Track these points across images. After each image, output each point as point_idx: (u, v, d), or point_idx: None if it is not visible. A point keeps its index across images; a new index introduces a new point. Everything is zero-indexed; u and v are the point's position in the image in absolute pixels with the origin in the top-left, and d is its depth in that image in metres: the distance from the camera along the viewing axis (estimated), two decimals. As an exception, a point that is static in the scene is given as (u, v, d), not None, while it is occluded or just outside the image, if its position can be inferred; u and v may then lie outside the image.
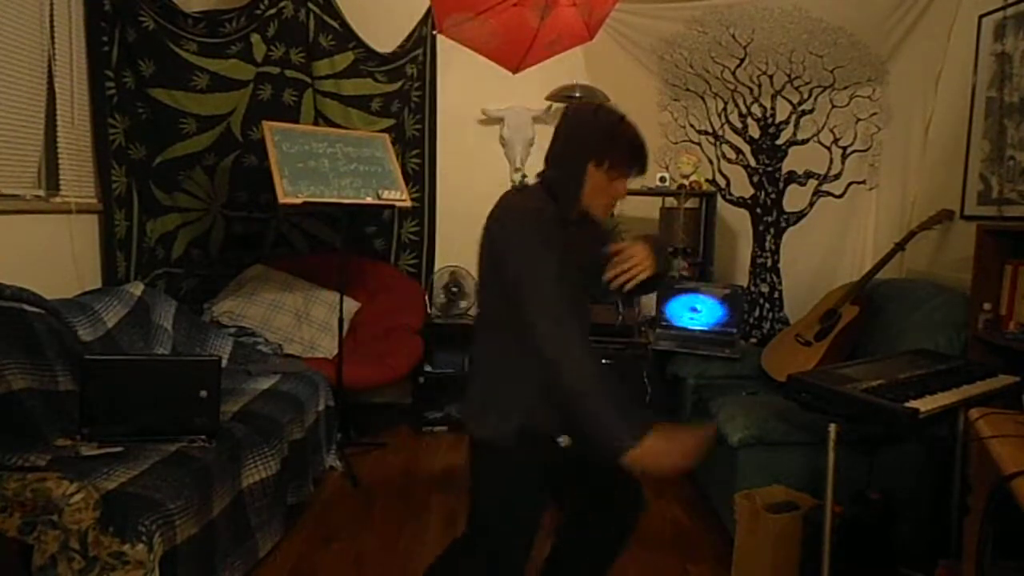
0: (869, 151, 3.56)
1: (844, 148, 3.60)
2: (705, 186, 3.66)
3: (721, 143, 3.81)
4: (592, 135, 1.60)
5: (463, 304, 3.97)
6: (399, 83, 3.84)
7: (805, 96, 3.63)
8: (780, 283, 3.80)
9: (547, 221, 1.56)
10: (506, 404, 1.55)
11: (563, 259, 1.49)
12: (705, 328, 3.48)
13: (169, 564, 1.78)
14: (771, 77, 3.64)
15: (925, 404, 1.79)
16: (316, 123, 3.71)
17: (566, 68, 3.65)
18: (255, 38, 3.41)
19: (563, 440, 1.59)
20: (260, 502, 2.34)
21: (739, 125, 3.77)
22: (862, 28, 3.40)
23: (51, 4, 2.69)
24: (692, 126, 3.82)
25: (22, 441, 1.99)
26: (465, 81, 3.97)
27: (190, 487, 1.95)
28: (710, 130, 3.81)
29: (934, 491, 2.28)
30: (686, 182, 3.60)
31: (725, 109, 3.77)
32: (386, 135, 3.61)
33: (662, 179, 3.63)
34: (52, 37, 2.71)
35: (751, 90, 3.70)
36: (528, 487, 1.62)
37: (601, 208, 1.63)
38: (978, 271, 2.33)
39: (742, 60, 3.64)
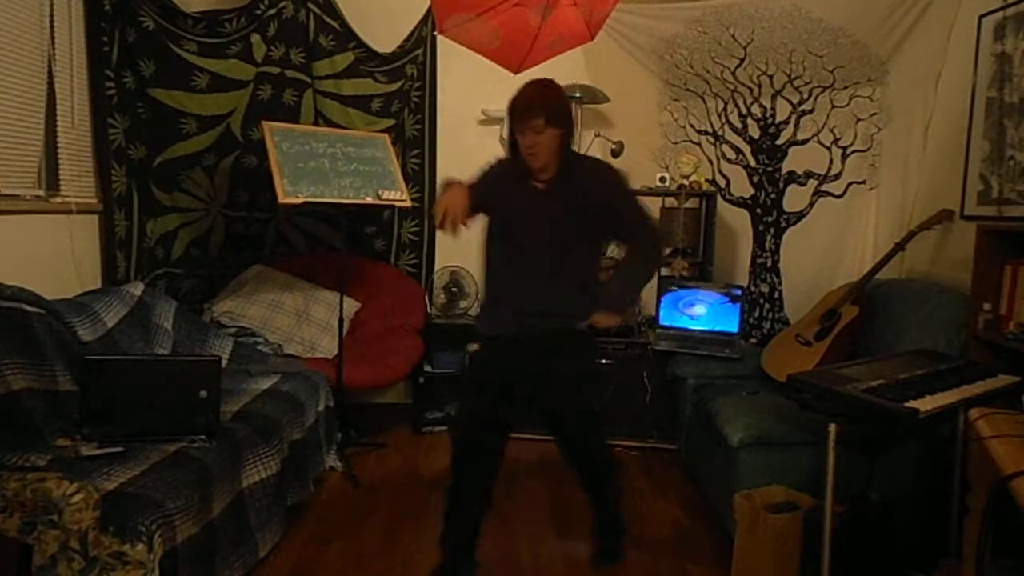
0: (869, 151, 3.56)
1: (844, 148, 3.61)
2: (705, 186, 3.66)
3: (721, 143, 3.81)
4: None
5: (463, 304, 3.97)
6: (399, 83, 3.84)
7: (805, 96, 3.63)
8: (780, 283, 3.80)
9: None
10: (588, 303, 2.18)
11: None
12: (705, 328, 3.48)
13: (169, 564, 1.79)
14: (771, 77, 3.64)
15: (925, 404, 1.79)
16: (316, 123, 3.70)
17: (566, 68, 3.64)
18: (255, 38, 3.41)
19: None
20: (260, 502, 2.34)
21: (739, 125, 3.77)
22: (862, 28, 3.41)
23: (51, 4, 2.69)
24: (692, 126, 3.82)
25: (22, 441, 1.99)
26: (465, 81, 3.97)
27: (190, 487, 1.95)
28: (710, 130, 3.81)
29: (934, 491, 2.28)
30: (686, 182, 3.59)
31: (725, 109, 3.77)
32: (386, 135, 3.61)
33: (662, 179, 3.63)
34: (52, 37, 2.71)
35: (751, 90, 3.70)
36: None
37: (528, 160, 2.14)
38: (978, 271, 2.32)
39: (742, 60, 3.64)
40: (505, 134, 3.96)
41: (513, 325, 2.20)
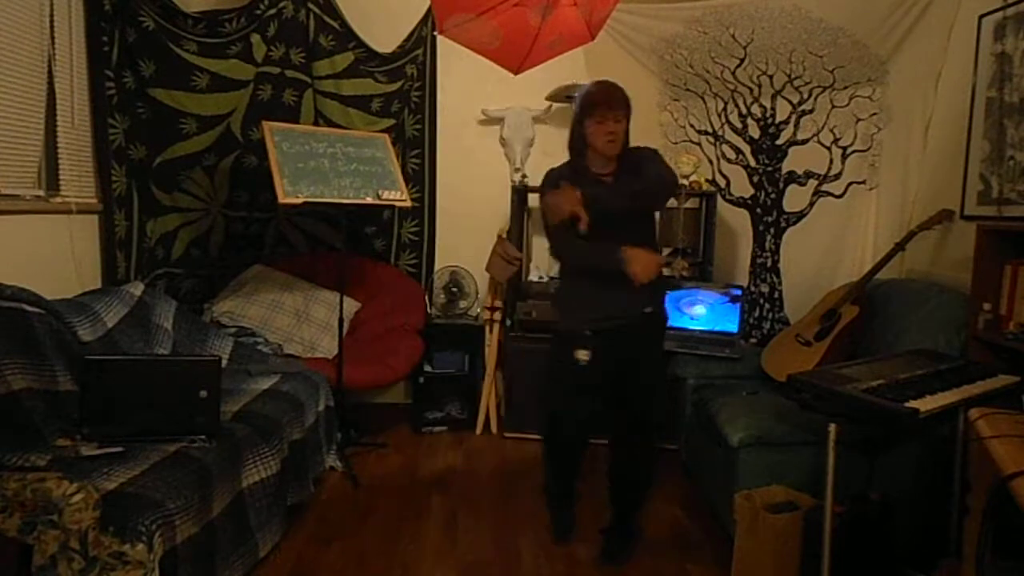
0: (869, 151, 3.56)
1: (844, 148, 3.60)
2: (705, 186, 3.66)
3: (721, 143, 3.81)
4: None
5: (463, 304, 3.97)
6: (399, 83, 3.84)
7: (805, 96, 3.63)
8: (780, 283, 3.80)
9: None
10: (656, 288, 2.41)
11: None
12: (705, 328, 3.48)
13: (169, 564, 1.79)
14: (771, 77, 3.64)
15: (925, 404, 1.79)
16: (316, 123, 3.71)
17: (566, 68, 3.65)
18: (255, 38, 3.41)
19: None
20: (260, 502, 2.34)
21: (739, 125, 3.77)
22: (862, 28, 3.41)
23: (51, 4, 2.69)
24: (692, 126, 3.82)
25: (22, 441, 1.99)
26: (465, 81, 3.97)
27: (190, 487, 1.95)
28: (710, 130, 3.81)
29: (934, 491, 2.28)
30: (686, 182, 3.59)
31: (725, 109, 3.77)
32: (386, 135, 3.61)
33: (662, 179, 3.62)
34: (52, 37, 2.71)
35: (751, 90, 3.70)
36: None
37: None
38: (978, 271, 2.32)
39: (742, 60, 3.64)
40: (506, 133, 3.97)
41: (614, 317, 2.37)
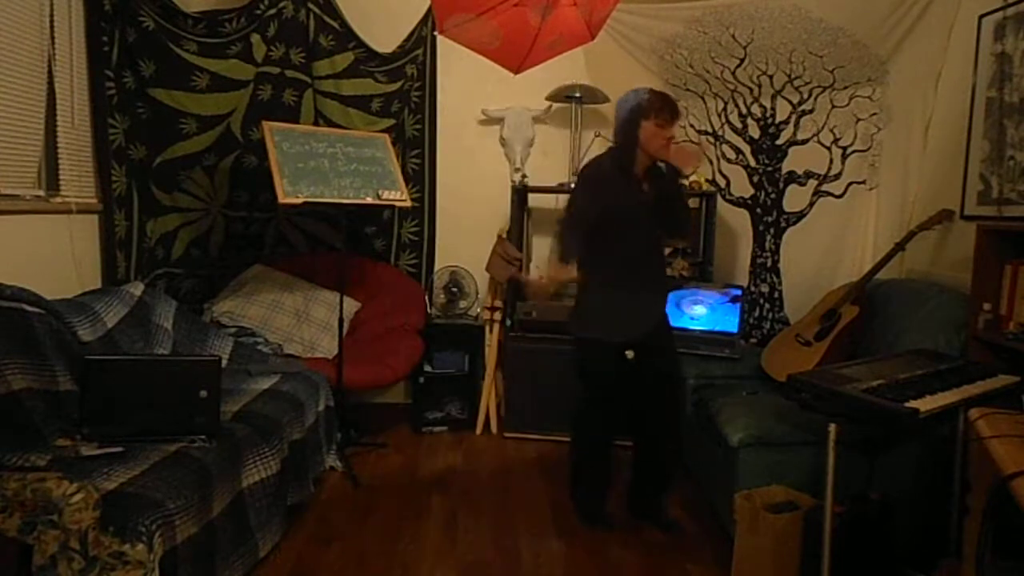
0: (869, 151, 3.55)
1: (844, 148, 3.60)
2: (705, 186, 3.66)
3: (721, 143, 3.81)
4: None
5: (463, 304, 3.97)
6: (399, 83, 3.84)
7: (805, 96, 3.63)
8: (780, 283, 3.80)
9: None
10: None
11: None
12: (705, 328, 3.48)
13: (169, 564, 1.78)
14: (771, 77, 3.64)
15: (925, 404, 1.79)
16: (316, 123, 3.70)
17: (566, 68, 3.65)
18: (255, 38, 3.41)
19: None
20: (260, 502, 2.34)
21: (739, 125, 3.77)
22: (862, 28, 3.40)
23: (51, 4, 2.69)
24: (692, 126, 3.82)
25: (22, 441, 1.99)
26: (465, 81, 3.97)
27: (190, 487, 1.95)
28: (710, 130, 3.81)
29: (934, 491, 2.28)
30: (686, 182, 3.59)
31: (725, 109, 3.77)
32: (386, 135, 3.61)
33: (662, 179, 3.62)
34: (52, 37, 2.71)
35: (751, 90, 3.70)
36: None
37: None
38: (978, 271, 2.32)
39: (742, 60, 3.64)
40: (506, 133, 3.97)
41: (647, 325, 2.60)
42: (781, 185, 3.74)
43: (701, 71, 3.71)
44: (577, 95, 3.66)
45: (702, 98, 3.78)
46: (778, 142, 3.72)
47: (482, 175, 4.07)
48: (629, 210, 2.54)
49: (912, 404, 1.77)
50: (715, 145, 3.82)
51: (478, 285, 3.98)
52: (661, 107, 2.45)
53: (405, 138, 3.98)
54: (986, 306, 2.30)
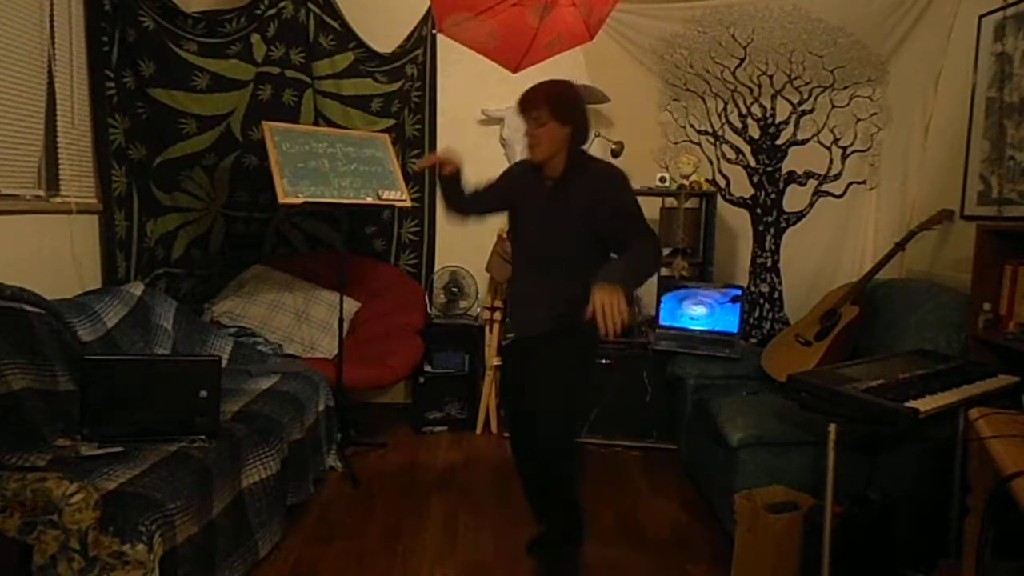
0: (869, 151, 3.56)
1: (844, 148, 3.61)
2: (705, 186, 3.65)
3: (721, 143, 3.81)
4: None
5: (463, 304, 3.97)
6: (399, 83, 3.84)
7: (805, 96, 3.63)
8: (780, 283, 3.80)
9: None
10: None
11: None
12: (705, 328, 3.48)
13: (169, 564, 1.79)
14: (771, 77, 3.64)
15: (925, 404, 1.79)
16: (316, 123, 3.70)
17: (566, 68, 3.63)
18: (255, 38, 3.41)
19: None
20: (260, 502, 2.34)
21: (739, 125, 3.77)
22: (862, 28, 3.41)
23: (51, 4, 2.69)
24: (692, 126, 3.82)
25: (22, 441, 1.99)
26: (465, 81, 3.97)
27: (190, 487, 1.95)
28: (710, 130, 3.81)
29: (934, 491, 2.28)
30: (686, 182, 3.59)
31: (725, 109, 3.77)
32: (386, 135, 3.61)
33: (662, 179, 3.63)
34: (52, 37, 2.71)
35: (751, 90, 3.70)
36: None
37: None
38: (978, 271, 2.32)
39: (742, 60, 3.64)
40: (506, 133, 3.96)
41: (528, 325, 2.28)
42: (781, 185, 3.74)
43: (701, 71, 3.71)
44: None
45: (702, 98, 3.78)
46: (778, 142, 3.72)
47: (482, 175, 4.05)
48: (526, 202, 2.26)
49: (912, 404, 1.77)
50: (715, 145, 3.82)
51: (478, 285, 3.98)
52: (519, 101, 2.19)
53: (405, 138, 3.98)
54: (986, 306, 2.30)
